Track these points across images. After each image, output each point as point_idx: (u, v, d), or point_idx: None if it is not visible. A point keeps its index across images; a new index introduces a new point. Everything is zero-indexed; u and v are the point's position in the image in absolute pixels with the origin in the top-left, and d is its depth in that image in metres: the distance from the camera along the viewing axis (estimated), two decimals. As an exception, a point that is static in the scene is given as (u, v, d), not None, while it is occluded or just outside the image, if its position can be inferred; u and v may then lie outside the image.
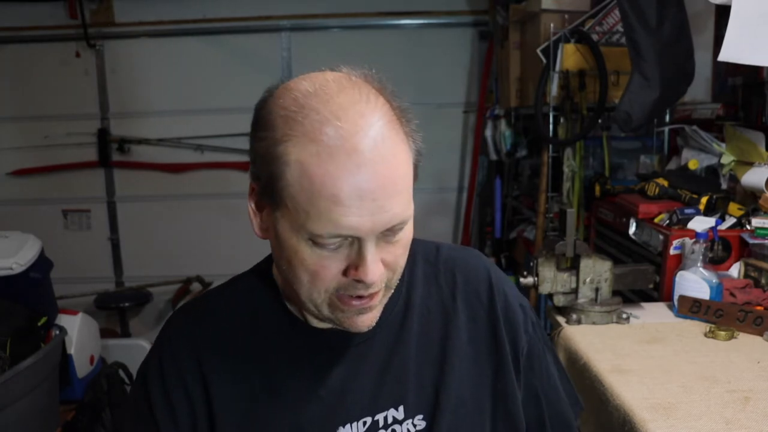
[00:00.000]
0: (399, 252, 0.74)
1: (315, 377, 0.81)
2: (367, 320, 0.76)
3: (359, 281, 0.71)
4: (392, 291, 0.79)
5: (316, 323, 0.82)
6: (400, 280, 0.82)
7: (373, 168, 0.66)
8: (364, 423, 0.80)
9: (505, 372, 0.86)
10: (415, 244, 0.86)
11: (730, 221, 1.92)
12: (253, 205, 0.77)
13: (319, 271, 0.71)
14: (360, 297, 0.73)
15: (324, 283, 0.72)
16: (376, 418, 0.81)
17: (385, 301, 0.78)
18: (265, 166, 0.70)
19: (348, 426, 0.80)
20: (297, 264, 0.72)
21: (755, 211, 1.88)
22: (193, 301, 0.88)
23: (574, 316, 1.62)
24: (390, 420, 0.81)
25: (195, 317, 0.85)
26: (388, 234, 0.71)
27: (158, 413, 0.79)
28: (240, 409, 0.79)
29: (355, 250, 0.70)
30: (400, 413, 0.81)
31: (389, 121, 0.70)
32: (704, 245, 1.69)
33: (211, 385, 0.79)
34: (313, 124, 0.67)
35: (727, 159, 2.11)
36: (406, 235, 0.74)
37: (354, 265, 0.70)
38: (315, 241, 0.69)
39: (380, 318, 0.79)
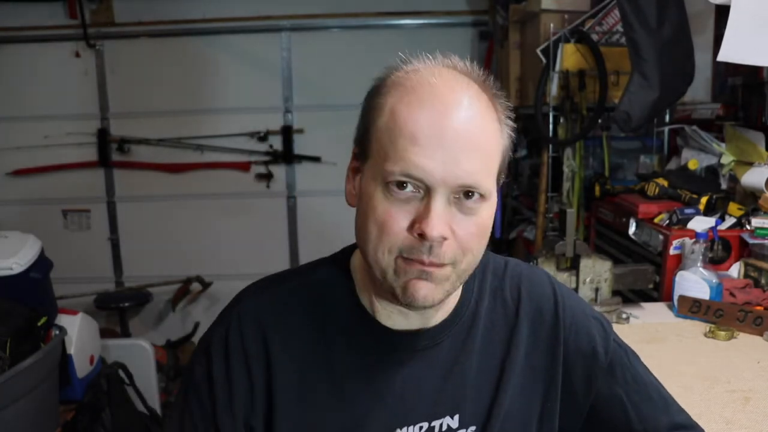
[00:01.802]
0: (472, 230, 0.73)
1: (378, 376, 0.81)
2: (427, 290, 0.73)
3: (423, 237, 0.70)
4: (461, 280, 0.78)
5: (388, 323, 0.82)
6: (470, 290, 0.84)
7: (458, 121, 0.71)
8: (421, 428, 0.81)
9: (555, 392, 0.86)
10: (488, 257, 0.88)
11: (730, 221, 1.92)
12: (350, 173, 0.80)
13: (386, 222, 0.72)
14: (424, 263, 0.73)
15: (389, 238, 0.72)
16: (432, 425, 0.81)
17: (449, 287, 0.76)
18: (364, 119, 0.77)
19: (405, 429, 0.81)
20: (369, 214, 0.73)
21: (755, 211, 1.88)
22: (267, 280, 0.87)
23: (574, 316, 1.62)
24: (445, 428, 0.82)
25: (267, 298, 0.84)
26: (459, 198, 0.72)
27: (217, 388, 0.80)
28: (299, 396, 0.79)
29: (424, 204, 0.71)
30: (454, 422, 0.82)
31: (483, 100, 0.74)
32: (704, 245, 1.69)
33: (274, 368, 0.79)
34: (412, 82, 0.74)
35: (727, 159, 2.11)
36: (482, 215, 0.74)
37: (419, 219, 0.71)
38: (388, 184, 0.71)
39: (448, 326, 0.80)
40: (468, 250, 0.74)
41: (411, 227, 0.71)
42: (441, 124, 0.70)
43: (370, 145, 0.74)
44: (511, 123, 0.78)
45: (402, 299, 0.75)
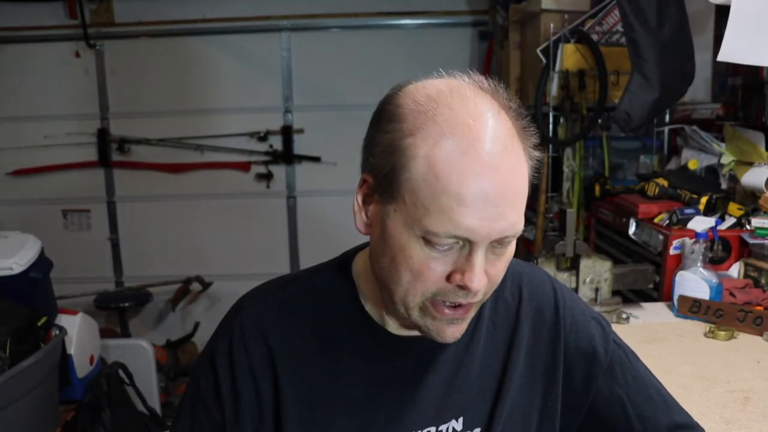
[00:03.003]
0: (501, 267, 0.74)
1: (384, 383, 0.80)
2: (456, 331, 0.75)
3: (462, 288, 0.70)
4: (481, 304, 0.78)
5: (393, 329, 0.81)
6: None
7: (500, 174, 0.66)
8: None
9: (556, 391, 0.86)
10: None
11: (729, 221, 1.92)
12: (359, 199, 0.76)
13: (424, 272, 0.70)
14: (455, 306, 0.72)
15: (424, 286, 0.71)
16: (439, 429, 0.81)
17: (473, 315, 0.77)
18: (387, 158, 0.69)
19: None
20: (401, 262, 0.70)
21: (755, 211, 1.88)
22: (268, 287, 0.86)
23: (574, 316, 1.62)
24: (450, 431, 0.82)
25: (269, 305, 0.83)
26: (496, 246, 0.70)
27: (225, 400, 0.79)
28: (305, 405, 0.79)
29: (465, 255, 0.69)
30: (459, 425, 0.82)
31: (514, 134, 0.70)
32: (704, 245, 1.69)
33: (279, 377, 0.79)
34: (447, 121, 0.67)
35: (727, 159, 2.11)
36: (510, 250, 0.74)
37: (461, 270, 0.69)
38: (428, 239, 0.68)
39: None
40: (495, 284, 0.75)
41: (449, 277, 0.70)
42: (487, 181, 0.66)
43: (398, 188, 0.69)
44: (530, 140, 0.73)
45: (428, 336, 0.76)
